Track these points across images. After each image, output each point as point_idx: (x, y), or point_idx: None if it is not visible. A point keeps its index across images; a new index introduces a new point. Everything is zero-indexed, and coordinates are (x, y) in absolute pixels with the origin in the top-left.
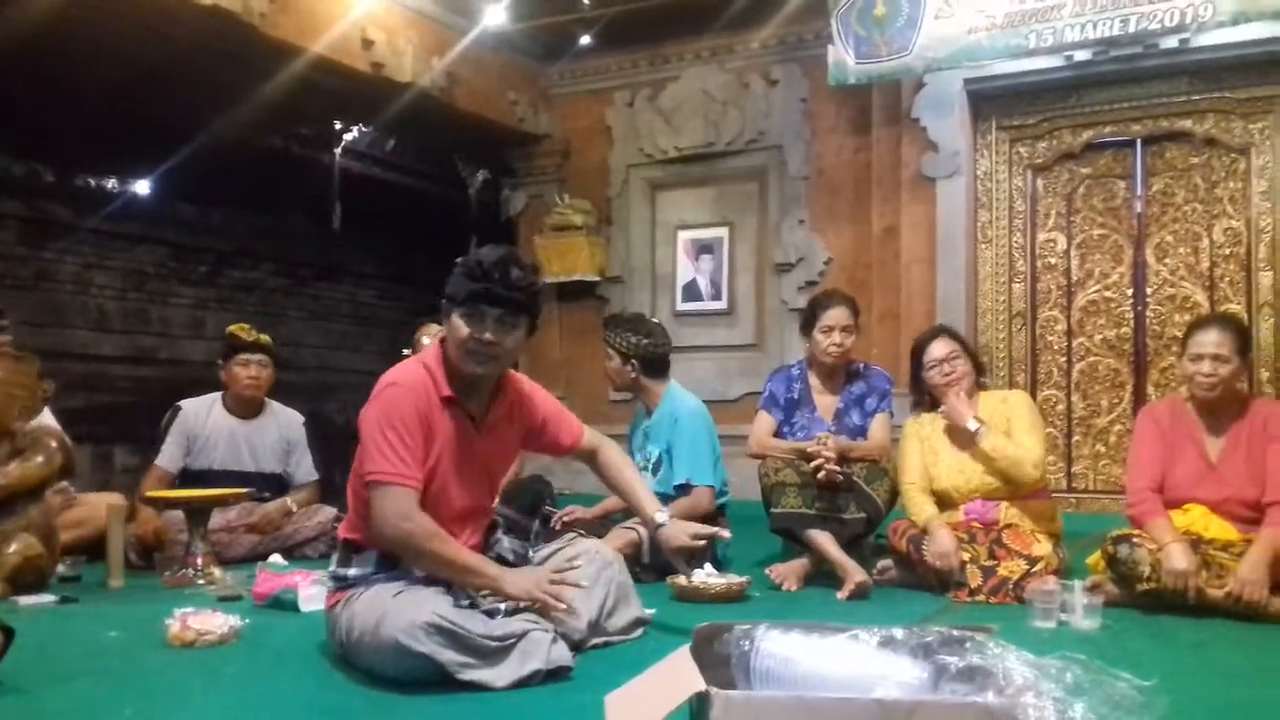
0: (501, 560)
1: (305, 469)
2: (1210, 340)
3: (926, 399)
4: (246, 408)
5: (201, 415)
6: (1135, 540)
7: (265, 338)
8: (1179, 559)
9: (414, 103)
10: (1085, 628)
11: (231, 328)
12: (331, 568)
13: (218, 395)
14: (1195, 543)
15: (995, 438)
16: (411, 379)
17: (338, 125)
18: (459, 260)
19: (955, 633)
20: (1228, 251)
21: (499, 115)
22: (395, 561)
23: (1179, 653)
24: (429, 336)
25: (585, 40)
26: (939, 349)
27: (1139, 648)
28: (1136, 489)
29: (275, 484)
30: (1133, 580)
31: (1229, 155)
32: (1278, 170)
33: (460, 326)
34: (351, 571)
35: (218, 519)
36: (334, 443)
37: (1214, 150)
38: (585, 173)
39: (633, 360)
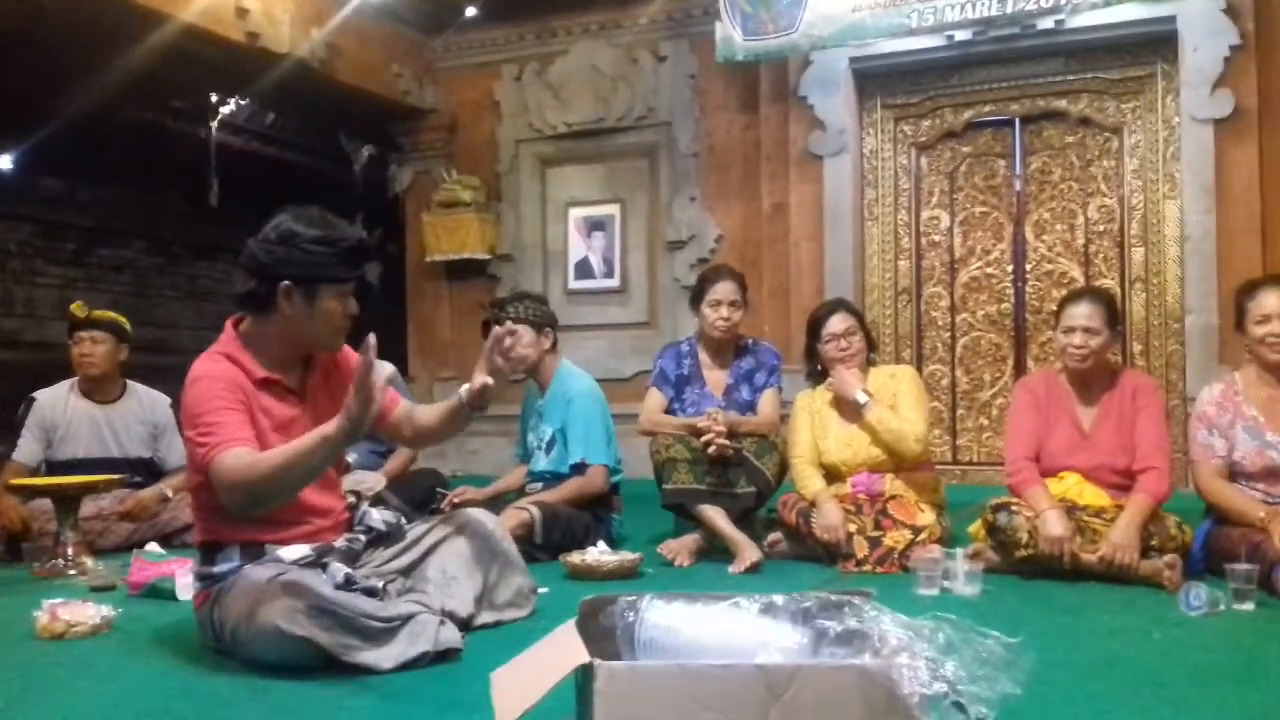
0: (373, 531)
1: (177, 453)
2: (1081, 313)
3: (819, 370)
4: (101, 390)
5: (59, 404)
6: (1013, 508)
7: (108, 314)
8: (1054, 525)
9: (293, 74)
10: (967, 593)
11: (72, 306)
12: (196, 569)
13: (72, 381)
14: (1070, 509)
15: (880, 410)
16: (213, 370)
17: (214, 98)
18: (295, 238)
19: (833, 598)
20: (1102, 228)
21: (383, 88)
22: (259, 551)
23: (1053, 614)
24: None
25: (471, 12)
26: (838, 324)
27: (1016, 610)
28: (1014, 458)
29: (144, 469)
30: (1011, 547)
31: (1102, 134)
32: (1148, 149)
33: (332, 306)
34: (217, 569)
35: (89, 507)
36: None
37: (1088, 129)
38: (473, 148)
39: (546, 328)
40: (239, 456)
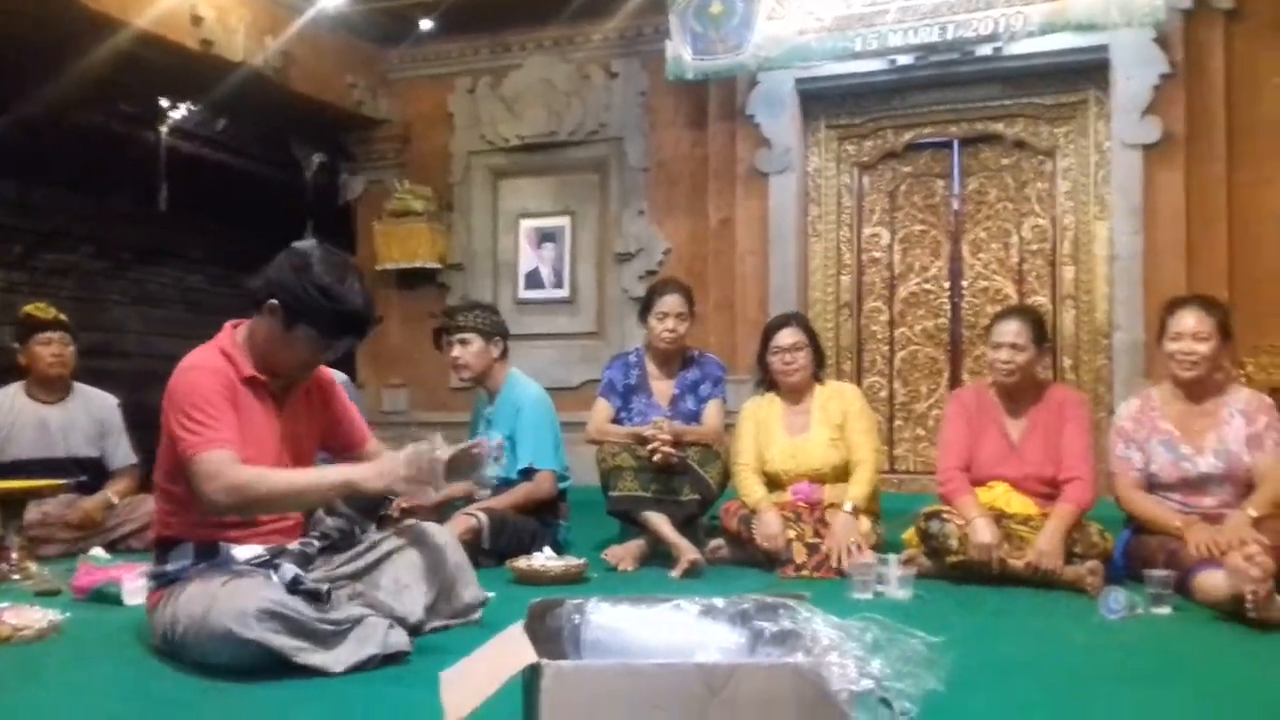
0: (326, 537)
1: (123, 453)
2: (1009, 330)
3: (769, 380)
4: (52, 391)
5: (4, 406)
6: (945, 516)
7: (62, 315)
8: (983, 533)
9: (246, 83)
10: (900, 597)
11: (27, 308)
12: (149, 569)
13: (19, 384)
14: (998, 517)
15: (857, 497)
16: (209, 363)
17: (164, 102)
18: (305, 273)
19: (769, 601)
20: (1035, 247)
21: (336, 98)
22: (213, 550)
23: (981, 617)
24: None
25: (426, 25)
26: (785, 338)
27: (946, 614)
28: (945, 468)
29: (91, 469)
30: (943, 553)
31: (1037, 157)
32: (1080, 172)
33: (302, 347)
34: (169, 567)
35: (34, 513)
36: (157, 433)
37: (1023, 152)
38: (426, 159)
39: (496, 337)
40: (220, 462)
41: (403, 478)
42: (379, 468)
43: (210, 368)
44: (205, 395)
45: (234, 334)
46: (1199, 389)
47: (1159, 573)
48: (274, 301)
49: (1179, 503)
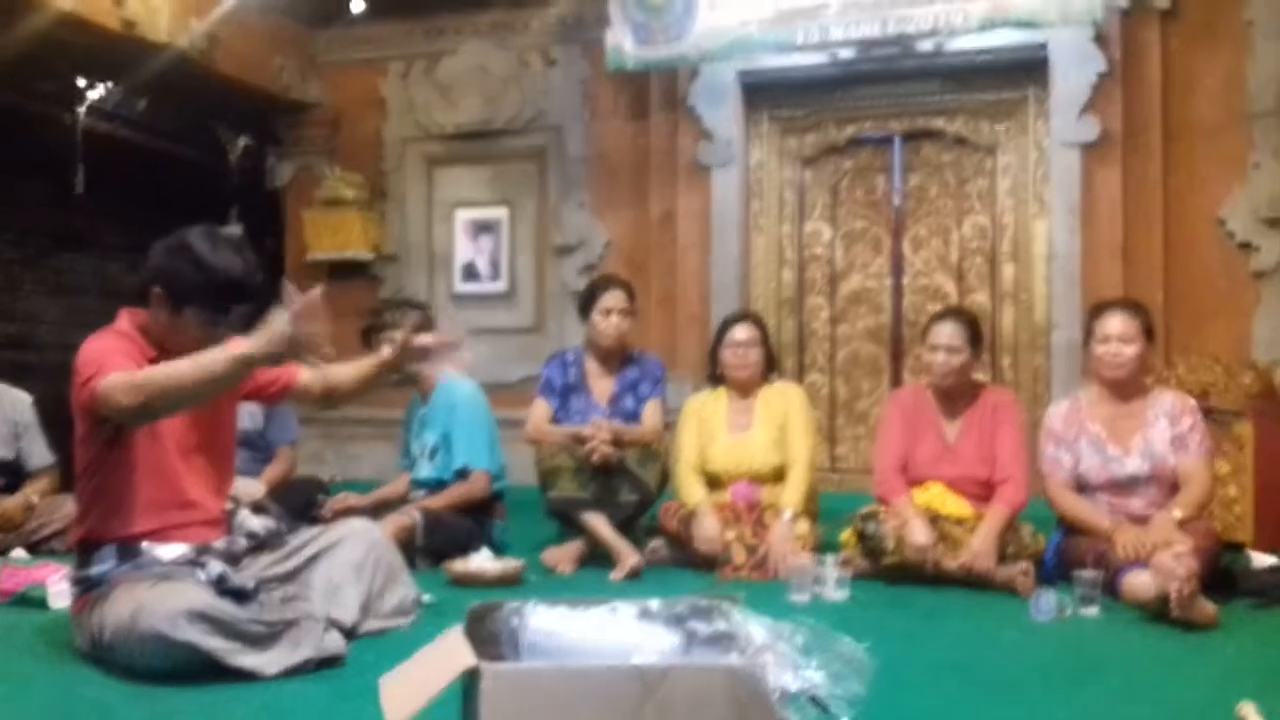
0: (253, 537)
1: (39, 453)
2: (945, 332)
3: (718, 375)
4: None
5: None
6: (881, 517)
7: None
8: (919, 534)
9: (170, 64)
10: (836, 599)
11: None
12: (71, 573)
13: None
14: (934, 518)
15: (797, 510)
16: (111, 342)
17: (82, 82)
18: (180, 253)
19: (704, 602)
20: (975, 245)
21: (264, 81)
22: (135, 550)
23: (914, 618)
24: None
25: (358, 7)
26: (740, 333)
27: (881, 615)
28: (882, 469)
29: (5, 472)
30: (878, 554)
31: (977, 154)
32: (1020, 170)
33: (195, 327)
34: (93, 571)
35: None
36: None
37: (964, 149)
38: (358, 145)
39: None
40: (120, 375)
41: (287, 334)
42: (264, 334)
43: (108, 343)
44: (100, 355)
45: (131, 319)
46: (1126, 391)
47: (1088, 574)
48: (157, 289)
49: (1108, 503)
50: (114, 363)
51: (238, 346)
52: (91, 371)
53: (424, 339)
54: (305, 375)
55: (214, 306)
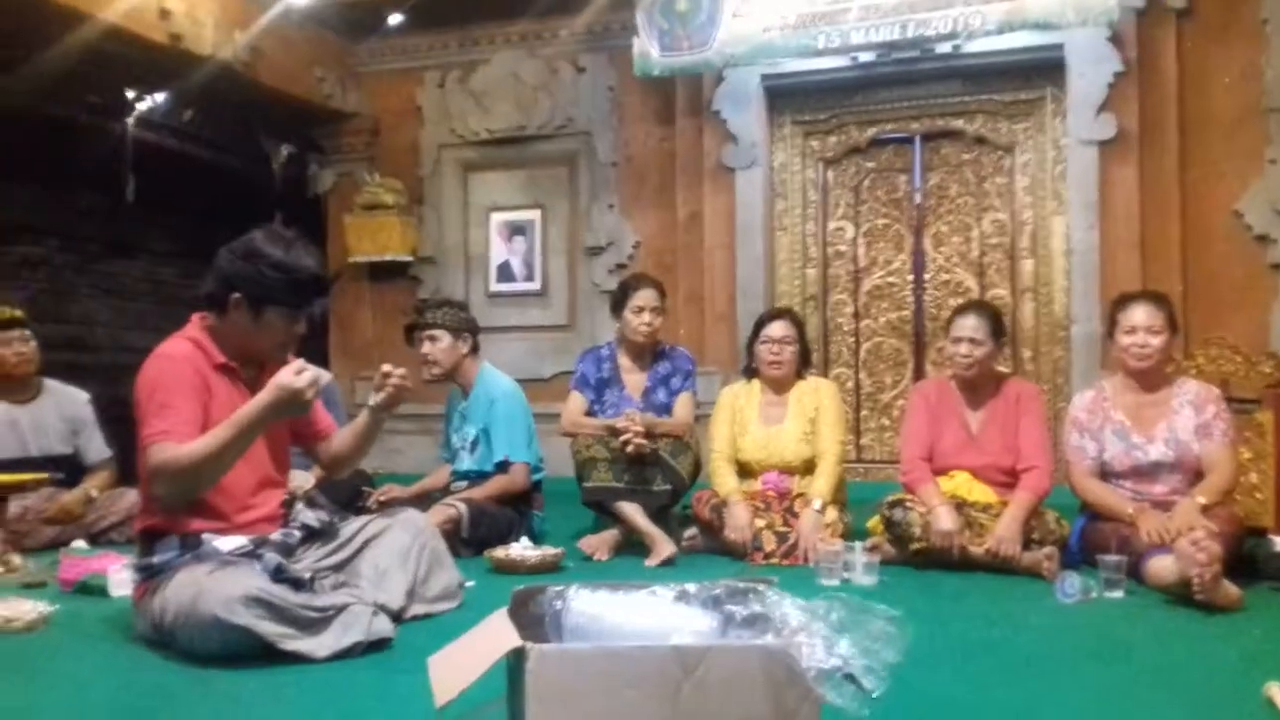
0: (307, 528)
1: (97, 448)
2: (968, 325)
3: (752, 368)
4: (20, 390)
5: None
6: (908, 504)
7: (18, 312)
8: (945, 520)
9: (215, 76)
10: (865, 583)
11: None
12: (134, 561)
13: None
14: (959, 505)
15: (824, 493)
16: (180, 351)
17: (130, 94)
18: (255, 258)
19: (740, 585)
20: (995, 241)
21: (305, 91)
22: (197, 542)
23: (942, 601)
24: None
25: (395, 19)
26: (777, 329)
27: (909, 598)
28: (908, 458)
29: (65, 466)
30: (906, 540)
31: (996, 153)
32: (1038, 168)
33: (277, 327)
34: (155, 559)
35: (14, 507)
36: (130, 426)
37: (983, 148)
38: (396, 152)
39: (465, 334)
40: (168, 450)
41: (288, 385)
42: (267, 393)
43: (177, 355)
44: (168, 382)
45: (202, 324)
46: (1150, 380)
47: (1112, 558)
48: (237, 295)
49: (1131, 490)
50: (173, 407)
51: (245, 411)
52: (152, 424)
53: (396, 374)
54: (335, 436)
55: (295, 304)
